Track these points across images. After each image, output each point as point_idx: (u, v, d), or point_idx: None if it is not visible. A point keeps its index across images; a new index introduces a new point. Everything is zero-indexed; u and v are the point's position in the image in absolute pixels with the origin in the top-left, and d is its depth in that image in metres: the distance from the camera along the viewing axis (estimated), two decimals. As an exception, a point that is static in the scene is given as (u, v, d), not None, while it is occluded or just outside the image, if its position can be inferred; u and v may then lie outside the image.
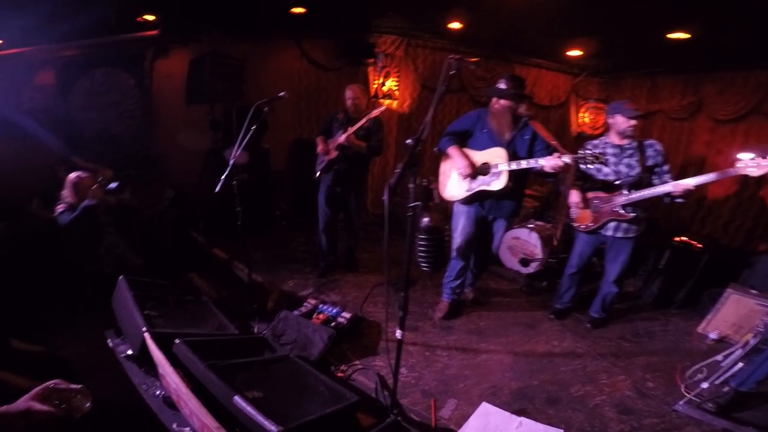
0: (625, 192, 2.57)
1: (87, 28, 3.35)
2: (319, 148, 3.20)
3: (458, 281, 2.90)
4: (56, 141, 3.38)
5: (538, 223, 3.97)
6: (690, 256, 3.43)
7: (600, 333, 2.96)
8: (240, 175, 3.82)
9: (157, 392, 1.89)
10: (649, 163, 2.58)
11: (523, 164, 2.42)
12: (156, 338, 1.87)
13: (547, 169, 2.31)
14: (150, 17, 3.57)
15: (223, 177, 2.37)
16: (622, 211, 2.59)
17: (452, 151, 2.67)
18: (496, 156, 2.55)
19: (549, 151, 2.48)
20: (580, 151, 2.33)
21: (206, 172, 3.91)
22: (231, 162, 2.41)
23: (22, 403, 1.01)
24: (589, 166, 2.34)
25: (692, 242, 3.49)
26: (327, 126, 3.29)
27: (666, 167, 2.57)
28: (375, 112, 2.96)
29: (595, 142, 2.76)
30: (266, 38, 4.30)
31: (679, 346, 2.87)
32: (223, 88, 3.81)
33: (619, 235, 2.68)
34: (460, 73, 1.54)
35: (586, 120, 5.73)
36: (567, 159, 2.26)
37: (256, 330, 2.53)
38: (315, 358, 2.35)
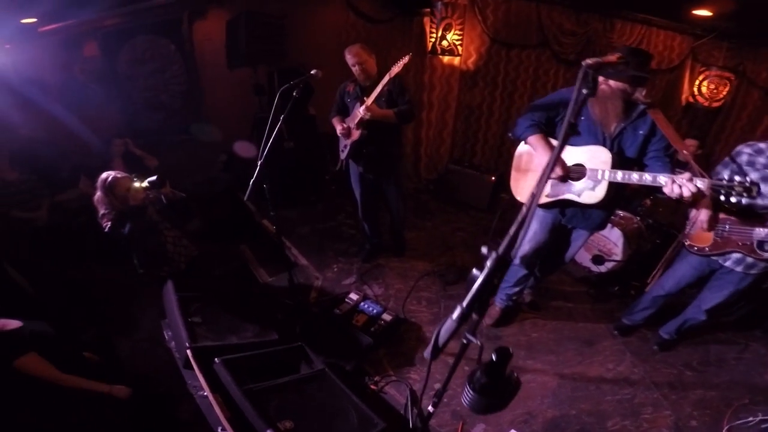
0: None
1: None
2: (338, 129, 2.68)
3: (517, 288, 2.48)
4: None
5: (624, 214, 3.20)
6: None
7: (664, 357, 2.56)
8: (286, 143, 3.63)
9: (206, 393, 1.93)
10: None
11: (634, 178, 1.74)
12: (198, 354, 1.89)
13: (668, 192, 1.63)
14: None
15: (251, 182, 2.10)
16: (758, 249, 1.91)
17: (535, 141, 1.98)
18: (595, 158, 1.87)
19: (668, 154, 1.83)
20: (724, 174, 1.65)
21: (254, 138, 3.72)
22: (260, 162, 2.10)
23: None
24: (732, 199, 1.59)
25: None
26: (340, 104, 2.78)
27: None
28: (394, 69, 2.34)
29: (762, 146, 1.94)
30: (305, -12, 3.69)
31: (747, 380, 2.44)
32: (262, 49, 3.40)
33: (739, 269, 2.05)
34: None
35: (704, 90, 4.44)
36: (701, 185, 1.56)
37: (298, 330, 2.48)
38: (351, 367, 2.29)
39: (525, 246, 2.27)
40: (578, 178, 1.93)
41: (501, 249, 0.85)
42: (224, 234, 3.59)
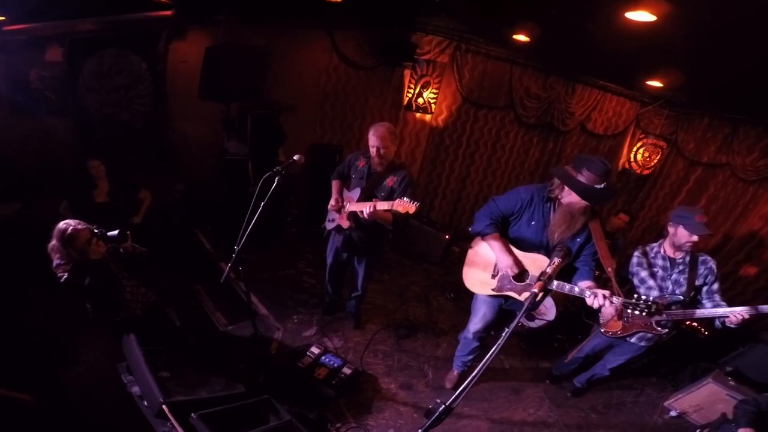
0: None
1: (95, 4, 3.22)
2: (332, 202, 2.92)
3: (471, 357, 3.10)
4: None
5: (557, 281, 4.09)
6: (693, 340, 3.70)
7: (576, 402, 3.41)
8: (252, 189, 3.92)
9: None
10: (698, 282, 2.54)
11: (566, 288, 2.22)
12: (173, 409, 2.27)
13: (589, 303, 2.11)
14: (162, -2, 3.35)
15: (228, 267, 2.40)
16: (656, 327, 2.63)
17: (492, 239, 2.44)
18: (538, 266, 2.29)
19: (594, 259, 2.34)
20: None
21: (216, 175, 3.99)
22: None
23: None
24: (635, 312, 2.07)
25: (700, 329, 3.71)
26: (345, 170, 2.99)
27: (716, 285, 2.53)
28: (399, 207, 2.36)
29: (648, 248, 2.74)
30: (292, 26, 3.98)
31: (639, 420, 3.37)
32: (239, 86, 3.67)
33: (642, 344, 2.81)
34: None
35: (639, 157, 5.42)
36: (615, 301, 2.06)
37: (261, 380, 2.91)
38: (315, 417, 2.79)
39: (477, 324, 2.86)
40: (521, 280, 2.42)
41: (449, 402, 1.43)
42: (176, 265, 3.80)
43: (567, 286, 2.24)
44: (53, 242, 2.30)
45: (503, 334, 1.50)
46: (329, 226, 3.12)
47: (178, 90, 3.91)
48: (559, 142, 5.21)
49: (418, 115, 4.59)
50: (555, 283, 2.22)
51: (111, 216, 3.27)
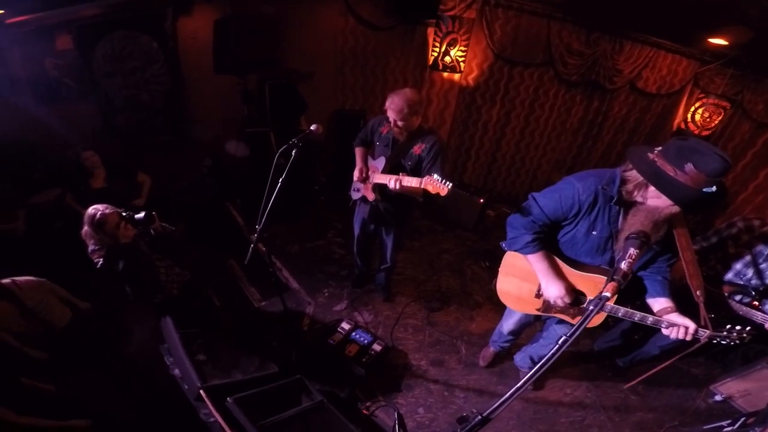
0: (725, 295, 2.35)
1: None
2: (356, 172, 2.73)
3: (507, 344, 2.93)
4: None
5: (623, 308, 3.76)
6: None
7: (614, 383, 3.19)
8: (278, 160, 3.85)
9: (212, 419, 2.39)
10: None
11: (636, 318, 1.79)
12: (210, 393, 2.33)
13: (666, 333, 1.75)
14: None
15: (251, 247, 2.26)
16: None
17: (536, 260, 1.93)
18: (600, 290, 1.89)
19: (669, 264, 1.87)
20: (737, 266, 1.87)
21: (238, 157, 3.92)
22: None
23: None
24: (722, 342, 1.72)
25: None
26: (368, 136, 2.78)
27: None
28: (428, 186, 2.15)
29: (757, 223, 2.35)
30: (303, -11, 3.71)
31: (681, 404, 3.12)
32: (253, 56, 3.48)
33: None
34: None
35: (697, 117, 4.81)
36: (701, 335, 1.67)
37: (294, 358, 2.94)
38: (345, 395, 2.81)
39: (512, 326, 2.64)
40: (577, 304, 1.97)
41: (486, 412, 1.27)
42: (209, 240, 3.87)
43: (637, 315, 1.80)
44: (85, 228, 2.37)
45: (555, 348, 1.26)
46: (354, 196, 2.98)
47: (193, 66, 3.78)
48: (605, 100, 4.69)
49: (445, 74, 4.23)
50: (621, 310, 1.81)
51: (110, 200, 3.32)
